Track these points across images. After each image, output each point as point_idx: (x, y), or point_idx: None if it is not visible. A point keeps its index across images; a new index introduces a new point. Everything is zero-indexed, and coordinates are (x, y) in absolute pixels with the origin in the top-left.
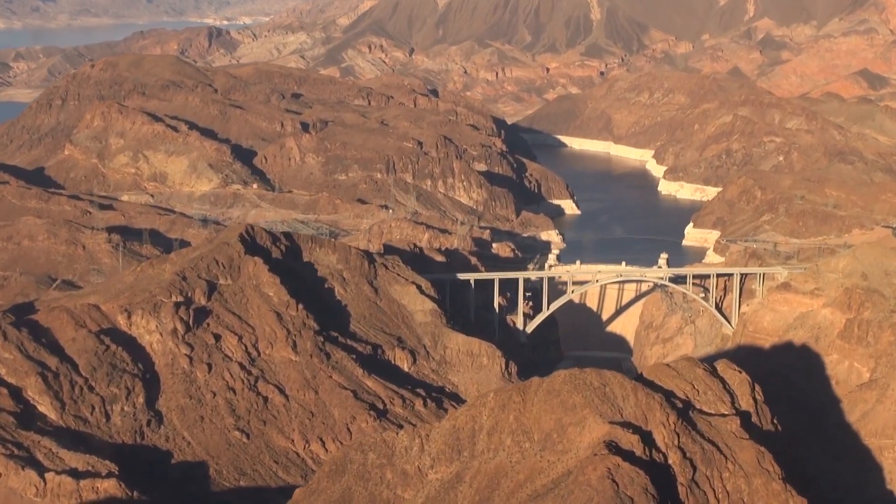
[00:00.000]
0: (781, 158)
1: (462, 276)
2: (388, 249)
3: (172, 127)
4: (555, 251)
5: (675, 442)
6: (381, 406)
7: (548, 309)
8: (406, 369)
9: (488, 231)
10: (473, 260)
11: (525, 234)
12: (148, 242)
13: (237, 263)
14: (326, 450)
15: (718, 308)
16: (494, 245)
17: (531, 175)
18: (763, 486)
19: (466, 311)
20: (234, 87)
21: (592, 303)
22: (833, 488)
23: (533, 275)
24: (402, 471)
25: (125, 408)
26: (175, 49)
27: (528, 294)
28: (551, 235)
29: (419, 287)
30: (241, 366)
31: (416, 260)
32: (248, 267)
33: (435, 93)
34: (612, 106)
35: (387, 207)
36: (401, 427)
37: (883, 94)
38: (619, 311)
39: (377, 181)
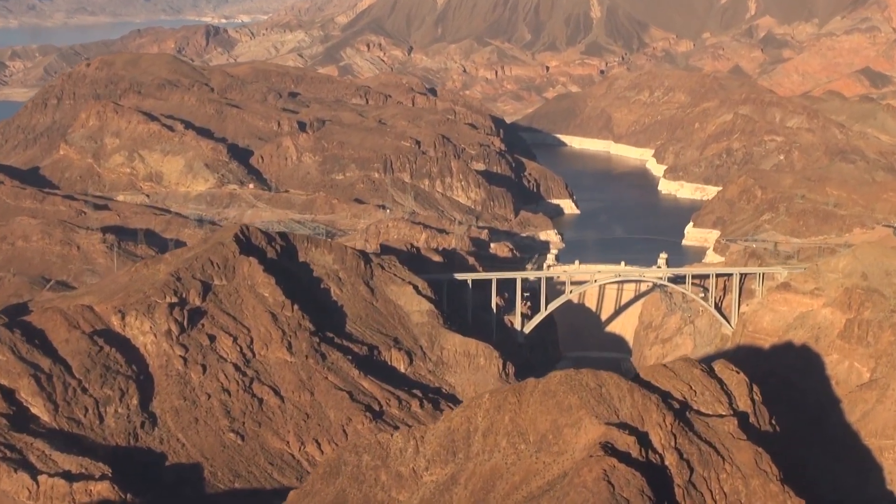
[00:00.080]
0: (782, 157)
1: (459, 276)
2: (385, 249)
3: (168, 126)
4: (553, 251)
5: (672, 443)
6: (377, 407)
7: (546, 309)
8: (402, 370)
9: (486, 231)
10: (471, 260)
11: (524, 234)
12: (143, 243)
13: (232, 264)
14: (322, 451)
15: (718, 308)
16: (492, 245)
17: (530, 174)
18: (761, 486)
19: (464, 311)
20: (231, 86)
21: (591, 303)
22: (833, 489)
23: (531, 275)
24: (397, 472)
25: (119, 409)
26: (172, 48)
27: (526, 294)
28: (550, 235)
29: (416, 287)
30: (236, 367)
31: (413, 260)
32: (242, 267)
33: (433, 92)
34: (612, 105)
35: (384, 207)
36: (397, 429)
37: (885, 93)
38: (619, 311)
39: (374, 181)
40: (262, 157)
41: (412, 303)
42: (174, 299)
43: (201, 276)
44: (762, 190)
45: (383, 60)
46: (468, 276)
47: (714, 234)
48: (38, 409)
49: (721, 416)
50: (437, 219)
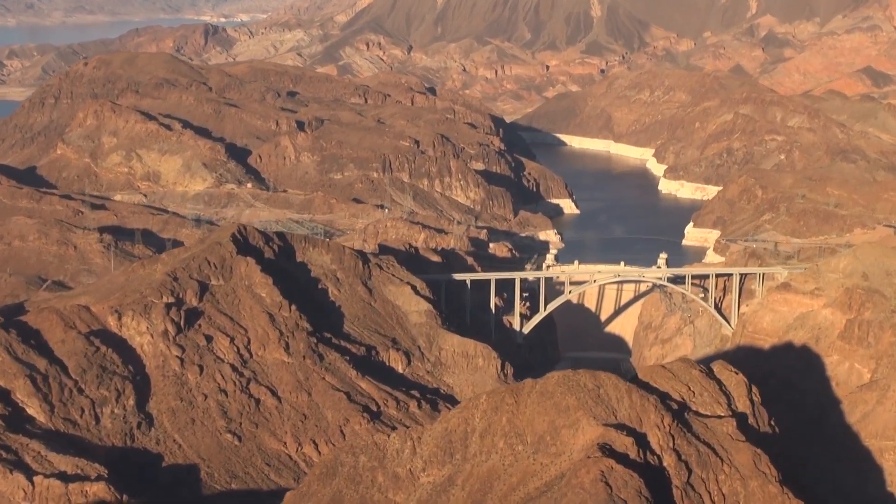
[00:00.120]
0: (783, 157)
1: (458, 276)
2: (384, 249)
3: (166, 126)
4: (553, 251)
5: (670, 444)
6: (374, 408)
7: (545, 309)
8: (400, 371)
9: (485, 231)
10: (470, 260)
11: (523, 234)
12: (140, 242)
13: (229, 264)
14: (319, 452)
15: (718, 308)
16: (491, 245)
17: (529, 174)
18: (759, 488)
19: (462, 311)
20: (229, 86)
21: (591, 303)
22: (833, 490)
23: (530, 275)
24: (394, 474)
25: (115, 410)
26: (171, 47)
27: (525, 294)
28: (549, 235)
29: (414, 287)
30: (233, 367)
31: (411, 260)
32: (240, 267)
33: (432, 91)
34: (613, 104)
35: (383, 207)
36: (395, 429)
37: (886, 92)
38: (618, 311)
39: (373, 180)
40: (260, 157)
41: (410, 303)
42: (171, 299)
43: (198, 276)
44: (762, 190)
45: (383, 60)
46: (467, 277)
47: (714, 234)
48: (33, 409)
49: (720, 417)
50: (435, 219)
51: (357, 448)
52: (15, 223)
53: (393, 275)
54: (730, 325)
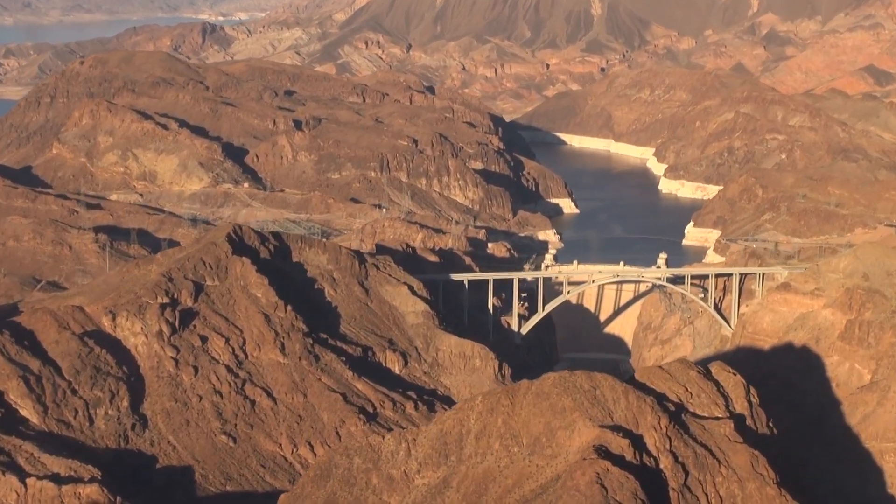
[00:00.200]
0: (784, 156)
1: (455, 276)
2: (381, 249)
3: (162, 125)
4: (552, 251)
5: (667, 446)
6: (371, 409)
7: (543, 310)
8: (397, 372)
9: (484, 231)
10: (468, 260)
11: (522, 234)
12: (136, 242)
13: (224, 264)
14: (315, 454)
15: (717, 309)
16: (490, 245)
17: (529, 173)
18: (757, 490)
19: (460, 312)
20: (226, 85)
21: (590, 304)
22: (833, 492)
23: (528, 275)
24: (388, 476)
25: (109, 411)
26: (168, 45)
27: (523, 295)
28: (549, 235)
29: (411, 288)
30: (228, 368)
31: (408, 260)
32: (235, 267)
33: (431, 90)
34: (613, 103)
35: (380, 207)
36: (391, 431)
37: (889, 91)
38: (618, 311)
39: (371, 180)
40: (257, 156)
41: (407, 303)
42: (165, 300)
43: (193, 276)
44: (763, 189)
45: (381, 58)
46: (464, 277)
47: (715, 234)
48: (27, 411)
49: (717, 418)
50: (434, 218)
51: (351, 450)
52: (10, 223)
53: (390, 275)
54: (729, 325)
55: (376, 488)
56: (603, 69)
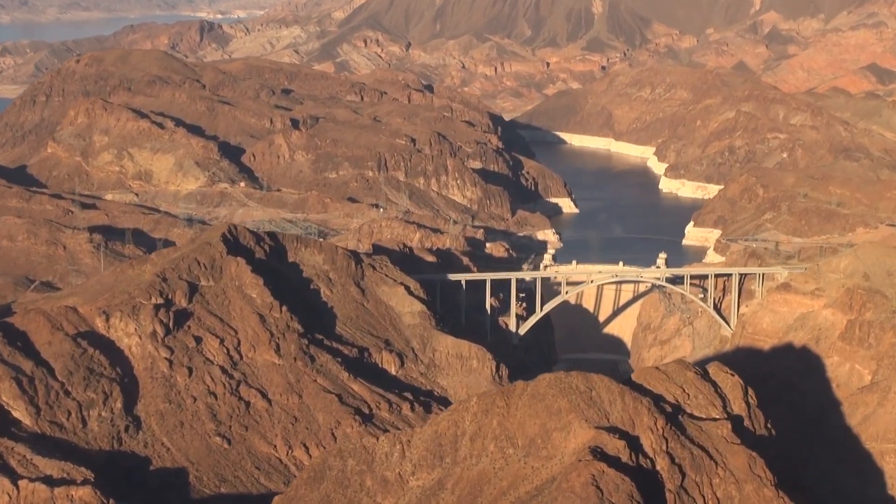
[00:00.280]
0: (785, 155)
1: (453, 276)
2: (378, 249)
3: (158, 124)
4: (550, 251)
5: (664, 447)
6: (366, 411)
7: (541, 310)
8: (393, 373)
9: (482, 230)
10: (465, 260)
11: (521, 234)
12: (131, 242)
13: (219, 264)
14: (310, 456)
15: (717, 309)
16: (488, 245)
17: (528, 173)
18: (754, 492)
19: (457, 312)
20: (223, 83)
21: (589, 304)
22: (833, 493)
23: (526, 275)
24: (383, 477)
25: (102, 413)
26: (166, 43)
27: (521, 295)
28: (548, 235)
29: (408, 288)
30: (223, 369)
31: (405, 260)
32: (230, 268)
33: (430, 88)
34: (613, 101)
35: (378, 206)
36: (388, 432)
37: (892, 89)
38: (617, 312)
39: (368, 179)
40: (253, 155)
41: (404, 304)
42: (160, 300)
43: (188, 276)
44: (764, 188)
45: (381, 56)
46: (461, 277)
47: (715, 234)
48: (19, 412)
49: (714, 419)
50: (431, 218)
51: (345, 451)
52: (3, 223)
53: (386, 275)
54: (729, 325)
55: (370, 490)
56: (604, 68)
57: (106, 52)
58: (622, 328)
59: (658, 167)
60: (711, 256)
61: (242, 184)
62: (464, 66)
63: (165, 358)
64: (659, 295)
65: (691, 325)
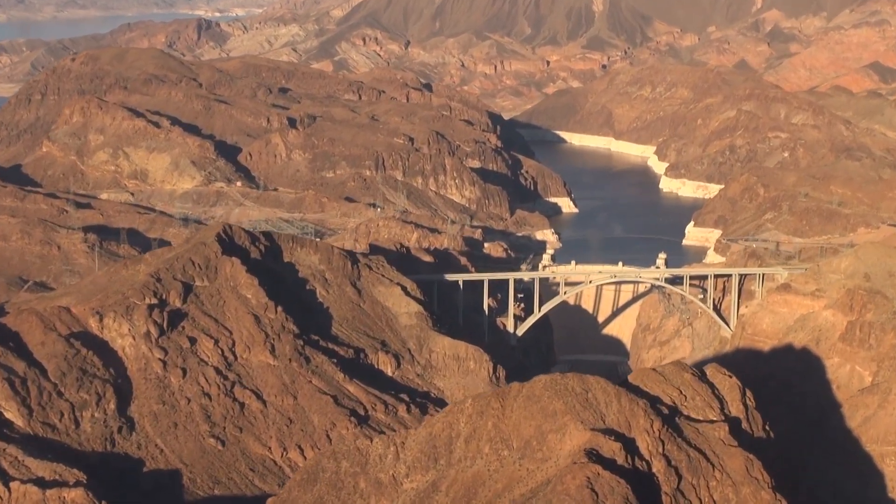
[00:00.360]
0: (787, 154)
1: (450, 276)
2: (375, 249)
3: (154, 122)
4: (549, 251)
5: (660, 449)
6: (362, 412)
7: (539, 311)
8: (390, 374)
9: (480, 230)
10: (463, 260)
11: (519, 234)
12: (126, 242)
13: (214, 264)
14: (305, 458)
15: (717, 310)
16: (486, 245)
17: (527, 172)
18: (752, 495)
19: (455, 313)
20: (220, 82)
21: (588, 305)
22: (833, 495)
23: (524, 275)
24: (376, 479)
25: (95, 414)
26: (163, 42)
27: (520, 296)
28: (547, 235)
29: (404, 288)
30: (217, 370)
31: (402, 260)
32: (225, 268)
33: (429, 87)
34: (613, 100)
35: (375, 206)
36: (384, 434)
37: (894, 88)
38: (616, 312)
39: (366, 179)
40: (250, 154)
41: (400, 304)
42: (154, 301)
43: (182, 276)
44: (765, 188)
45: (379, 55)
46: (459, 277)
47: (715, 234)
48: (11, 413)
49: (712, 421)
50: (429, 218)
51: (339, 453)
52: None
53: (383, 275)
54: (729, 326)
55: (364, 492)
56: (604, 66)
57: (102, 51)
58: (621, 329)
59: (658, 166)
60: (712, 256)
61: (239, 183)
62: (463, 65)
63: (159, 359)
64: (658, 295)
65: (691, 325)
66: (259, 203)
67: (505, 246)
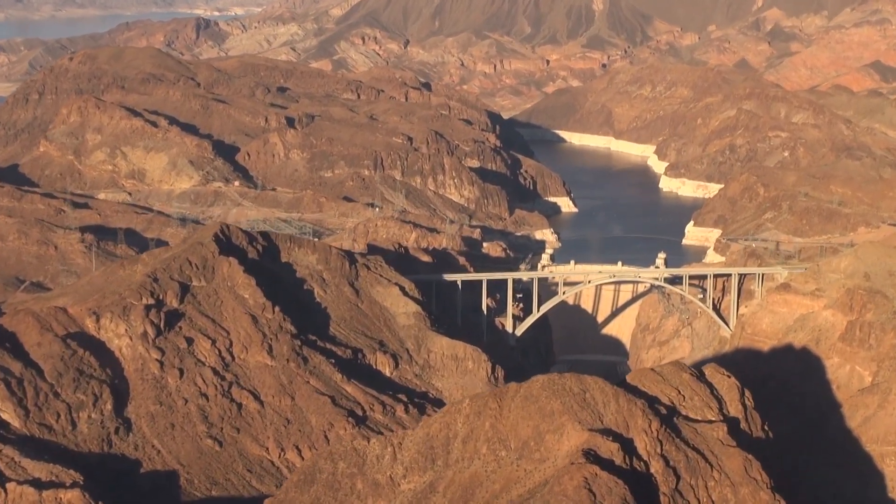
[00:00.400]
0: (787, 154)
1: (448, 276)
2: (373, 249)
3: (152, 122)
4: (549, 251)
5: (658, 450)
6: (360, 413)
7: (538, 311)
8: (387, 374)
9: (479, 230)
10: (462, 260)
11: (519, 233)
12: (123, 242)
13: (211, 264)
14: (302, 458)
15: (716, 309)
16: (485, 244)
17: (526, 172)
18: (750, 495)
19: (453, 313)
20: (218, 81)
21: (588, 305)
22: (833, 496)
23: (523, 275)
24: (374, 480)
25: (92, 415)
26: (161, 41)
27: (519, 295)
28: (546, 234)
29: (402, 288)
30: (215, 371)
31: (401, 260)
32: (222, 268)
33: (428, 86)
34: (613, 99)
35: (374, 206)
36: (381, 434)
37: (895, 87)
38: (615, 312)
39: (364, 178)
40: (248, 154)
41: (398, 304)
42: (151, 301)
43: (179, 276)
44: (765, 188)
45: (379, 54)
46: (457, 277)
47: (715, 234)
48: (8, 414)
49: (710, 421)
50: (428, 217)
51: (336, 454)
52: None
53: (381, 275)
54: (728, 326)
55: (361, 493)
56: (604, 65)
57: (99, 50)
58: (621, 329)
59: (658, 166)
60: (711, 256)
61: (237, 183)
62: (462, 64)
63: (156, 359)
64: (658, 295)
65: (690, 325)
66: (257, 203)
67: (504, 246)
